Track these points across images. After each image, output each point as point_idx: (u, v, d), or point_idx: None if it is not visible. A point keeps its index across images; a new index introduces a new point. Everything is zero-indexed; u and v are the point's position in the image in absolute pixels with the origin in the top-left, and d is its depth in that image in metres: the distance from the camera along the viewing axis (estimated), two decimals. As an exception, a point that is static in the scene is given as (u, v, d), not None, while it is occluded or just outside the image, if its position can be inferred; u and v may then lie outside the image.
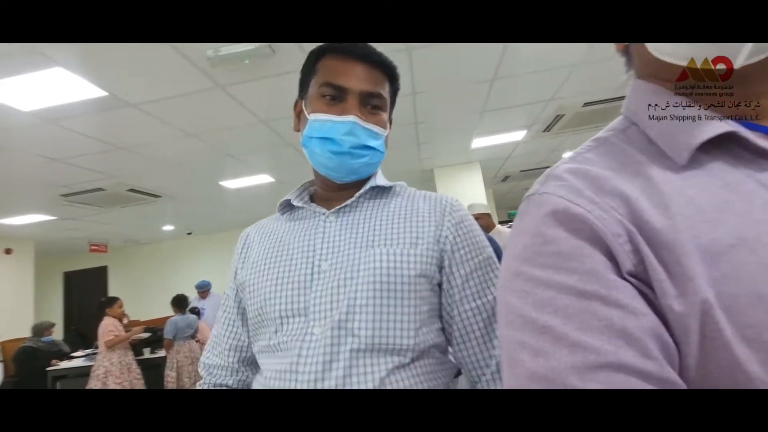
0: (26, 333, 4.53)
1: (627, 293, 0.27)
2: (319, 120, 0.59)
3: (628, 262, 0.28)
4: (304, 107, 0.63)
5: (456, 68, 2.50)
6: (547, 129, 3.86)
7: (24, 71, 1.91)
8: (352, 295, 0.54)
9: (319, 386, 0.50)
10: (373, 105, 0.60)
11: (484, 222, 2.90)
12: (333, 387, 0.50)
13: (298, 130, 0.66)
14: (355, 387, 0.50)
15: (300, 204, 0.65)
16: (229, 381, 0.66)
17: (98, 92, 2.17)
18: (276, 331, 0.56)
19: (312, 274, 0.56)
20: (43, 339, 4.38)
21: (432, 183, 4.92)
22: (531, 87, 2.90)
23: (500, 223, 7.98)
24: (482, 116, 3.38)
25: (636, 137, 0.36)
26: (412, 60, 2.32)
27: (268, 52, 1.99)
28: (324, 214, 0.62)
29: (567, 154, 0.39)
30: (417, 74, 2.49)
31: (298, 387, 0.51)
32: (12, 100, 2.15)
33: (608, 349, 0.26)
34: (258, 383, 0.59)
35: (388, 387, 0.51)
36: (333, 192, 0.65)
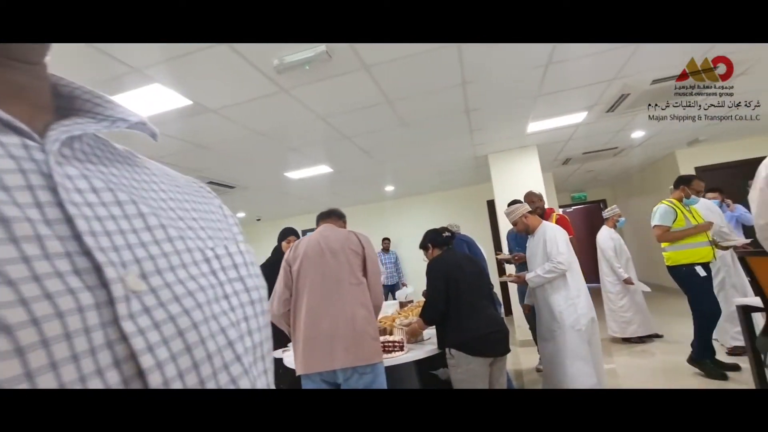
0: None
1: None
2: None
3: None
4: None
5: (507, 57, 2.48)
6: (611, 109, 3.63)
7: (129, 89, 2.29)
8: None
9: None
10: None
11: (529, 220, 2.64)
12: None
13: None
14: None
15: None
16: None
17: (185, 102, 2.51)
18: None
19: None
20: None
21: (486, 169, 4.87)
22: (590, 68, 2.77)
23: (561, 207, 7.56)
24: (536, 101, 3.29)
25: None
26: (461, 52, 2.35)
27: (325, 58, 2.17)
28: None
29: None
30: (467, 65, 2.52)
31: None
32: (120, 112, 2.57)
33: None
34: None
35: None
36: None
